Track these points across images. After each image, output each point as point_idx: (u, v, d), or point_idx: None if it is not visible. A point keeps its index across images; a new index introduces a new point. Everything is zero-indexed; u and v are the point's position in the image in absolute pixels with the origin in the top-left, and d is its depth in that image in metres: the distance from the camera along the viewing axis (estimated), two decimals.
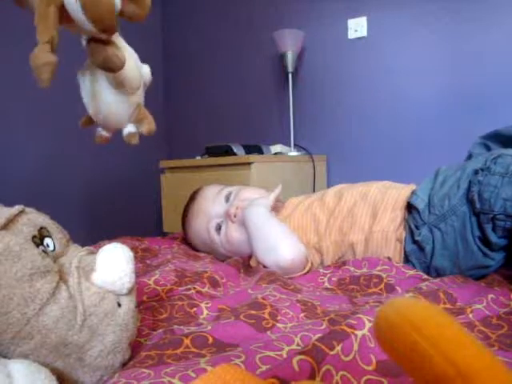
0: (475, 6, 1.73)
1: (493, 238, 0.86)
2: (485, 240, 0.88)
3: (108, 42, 0.62)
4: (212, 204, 1.18)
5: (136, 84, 0.70)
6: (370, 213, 1.03)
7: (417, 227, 0.96)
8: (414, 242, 0.97)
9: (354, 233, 1.04)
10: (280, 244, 1.00)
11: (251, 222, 1.05)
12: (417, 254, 0.98)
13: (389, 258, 0.97)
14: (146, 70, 0.75)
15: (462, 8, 1.76)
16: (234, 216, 1.11)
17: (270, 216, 1.07)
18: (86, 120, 0.75)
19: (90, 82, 0.69)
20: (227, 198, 1.17)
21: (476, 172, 0.89)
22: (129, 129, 0.74)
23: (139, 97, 0.73)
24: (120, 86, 0.68)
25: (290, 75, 1.98)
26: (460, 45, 1.77)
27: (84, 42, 0.64)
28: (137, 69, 0.70)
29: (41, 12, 0.57)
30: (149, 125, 0.74)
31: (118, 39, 0.68)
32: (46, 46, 0.56)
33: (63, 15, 0.58)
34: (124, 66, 0.63)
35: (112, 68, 0.62)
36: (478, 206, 0.86)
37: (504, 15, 1.69)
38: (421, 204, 0.95)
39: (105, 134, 0.77)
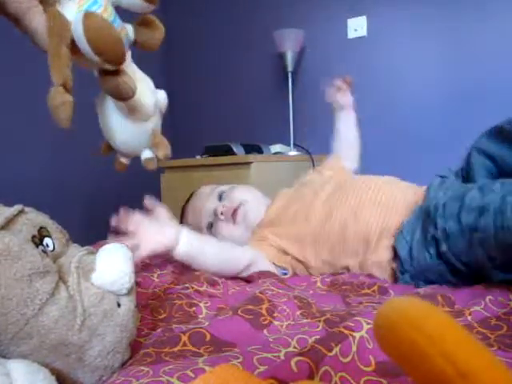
0: (474, 4, 1.73)
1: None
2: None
3: (118, 72, 0.62)
4: (205, 203, 1.19)
5: (149, 111, 0.71)
6: (362, 237, 0.98)
7: (401, 272, 0.93)
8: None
9: (346, 257, 1.00)
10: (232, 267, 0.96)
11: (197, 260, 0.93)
12: None
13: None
14: (161, 95, 0.76)
15: (462, 6, 1.76)
16: (221, 214, 1.12)
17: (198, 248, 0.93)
18: (106, 147, 0.76)
19: (104, 111, 0.70)
20: (220, 197, 1.17)
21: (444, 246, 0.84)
22: (145, 154, 0.75)
23: (154, 123, 0.74)
24: (133, 113, 0.69)
25: (289, 75, 1.98)
26: (460, 43, 1.78)
27: (96, 73, 0.65)
28: (150, 95, 0.71)
29: (53, 53, 0.57)
30: (164, 150, 0.75)
31: (130, 66, 0.68)
32: (60, 88, 0.58)
33: (74, 50, 0.59)
34: (135, 94, 0.63)
35: (123, 97, 0.63)
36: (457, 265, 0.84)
37: (503, 13, 1.69)
38: (403, 250, 0.91)
39: (124, 160, 0.78)
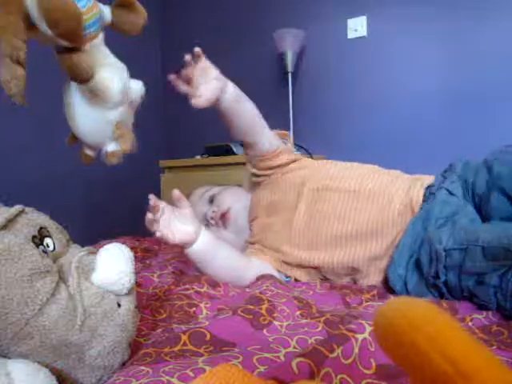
0: (474, 5, 1.73)
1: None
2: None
3: (75, 50, 0.58)
4: (197, 206, 1.17)
5: (114, 98, 0.65)
6: (350, 267, 0.97)
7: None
8: None
9: (340, 278, 1.00)
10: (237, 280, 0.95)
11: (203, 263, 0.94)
12: None
13: None
14: (136, 86, 0.70)
15: (461, 6, 1.76)
16: (212, 218, 1.11)
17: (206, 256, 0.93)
18: (72, 137, 0.70)
19: (67, 96, 0.66)
20: (211, 200, 1.17)
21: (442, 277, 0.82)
22: (109, 147, 0.68)
23: (120, 113, 0.67)
24: (95, 99, 0.63)
25: (289, 75, 1.98)
26: (459, 43, 1.78)
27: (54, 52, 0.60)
28: (117, 82, 0.65)
29: (1, 23, 0.53)
30: (127, 143, 0.68)
31: (100, 49, 0.64)
32: (8, 60, 0.53)
33: (30, 24, 0.55)
34: (92, 76, 0.59)
35: (79, 78, 0.58)
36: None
37: (502, 12, 1.69)
38: (397, 284, 0.89)
39: (89, 152, 0.72)
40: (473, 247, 0.77)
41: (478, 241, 0.77)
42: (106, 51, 0.66)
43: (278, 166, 1.11)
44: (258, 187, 1.14)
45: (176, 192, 0.87)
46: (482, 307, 0.76)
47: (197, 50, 0.97)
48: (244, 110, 1.09)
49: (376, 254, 0.94)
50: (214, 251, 0.91)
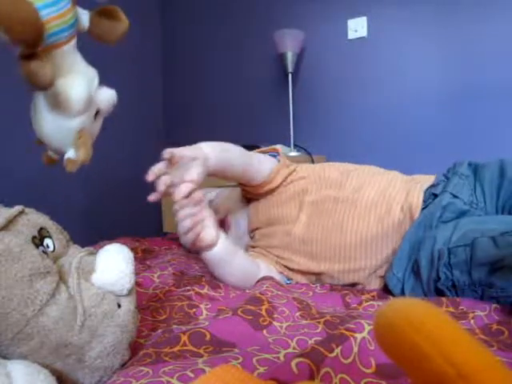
0: (474, 5, 1.73)
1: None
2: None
3: (33, 56, 0.56)
4: None
5: (75, 107, 0.64)
6: (351, 279, 0.97)
7: None
8: None
9: (340, 283, 1.00)
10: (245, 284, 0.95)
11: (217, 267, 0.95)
12: None
13: None
14: (106, 95, 0.69)
15: (461, 6, 1.76)
16: None
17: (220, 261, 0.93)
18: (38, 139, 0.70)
19: (35, 99, 0.65)
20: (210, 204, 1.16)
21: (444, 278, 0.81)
22: (68, 153, 0.68)
23: (83, 121, 0.66)
24: (55, 106, 0.63)
25: (289, 75, 1.98)
26: (460, 43, 1.78)
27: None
28: (82, 91, 0.64)
29: None
30: (84, 153, 0.67)
31: (70, 55, 0.63)
32: None
33: None
34: (51, 84, 0.58)
35: (35, 84, 0.57)
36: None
37: (502, 12, 1.69)
38: (395, 289, 0.89)
39: (51, 154, 0.72)
40: (480, 239, 0.76)
41: (484, 234, 0.76)
42: (76, 57, 0.65)
43: (277, 187, 1.08)
44: (257, 199, 1.12)
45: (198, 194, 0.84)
46: (496, 299, 0.74)
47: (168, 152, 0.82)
48: (231, 166, 0.98)
49: (377, 266, 0.94)
50: (232, 254, 0.91)
